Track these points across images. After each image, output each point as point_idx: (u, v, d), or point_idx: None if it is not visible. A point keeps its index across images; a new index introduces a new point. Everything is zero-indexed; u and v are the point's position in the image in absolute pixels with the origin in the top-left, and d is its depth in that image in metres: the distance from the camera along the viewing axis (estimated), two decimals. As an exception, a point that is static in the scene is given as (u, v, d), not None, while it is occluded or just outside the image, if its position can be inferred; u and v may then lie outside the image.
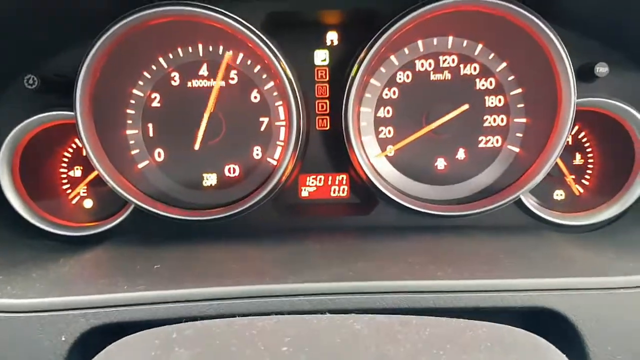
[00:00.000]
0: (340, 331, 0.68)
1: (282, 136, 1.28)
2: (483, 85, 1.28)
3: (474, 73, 1.28)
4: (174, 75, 1.27)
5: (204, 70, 1.27)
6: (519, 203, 1.29)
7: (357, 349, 0.63)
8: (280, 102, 1.27)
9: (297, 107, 1.21)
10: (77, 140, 1.31)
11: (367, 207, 1.34)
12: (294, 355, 0.61)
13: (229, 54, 1.25)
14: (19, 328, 0.89)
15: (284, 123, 1.28)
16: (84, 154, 1.20)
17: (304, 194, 1.36)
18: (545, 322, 0.97)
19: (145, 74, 1.26)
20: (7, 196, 1.23)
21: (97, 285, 0.95)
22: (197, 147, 1.27)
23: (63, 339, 0.89)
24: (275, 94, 1.28)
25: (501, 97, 1.28)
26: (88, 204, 1.33)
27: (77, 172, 1.33)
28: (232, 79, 1.28)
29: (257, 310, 0.89)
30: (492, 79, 1.28)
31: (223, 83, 1.27)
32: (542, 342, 0.75)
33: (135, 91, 1.27)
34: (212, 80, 1.27)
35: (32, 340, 0.89)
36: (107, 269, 1.05)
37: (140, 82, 1.27)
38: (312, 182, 1.36)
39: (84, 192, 1.33)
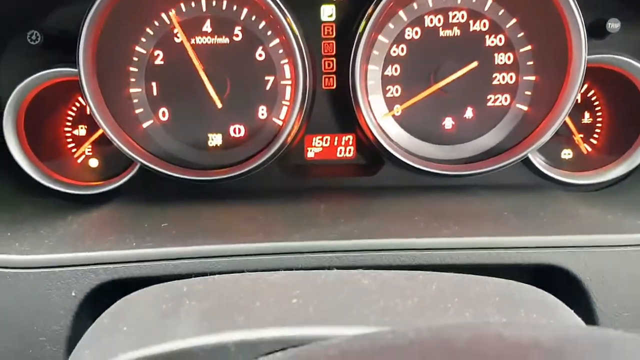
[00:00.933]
0: (348, 285, 0.68)
1: (287, 96, 1.26)
2: (492, 42, 1.26)
3: (484, 29, 1.25)
4: (177, 32, 1.24)
5: (207, 27, 1.24)
6: (526, 162, 1.28)
7: (364, 303, 0.63)
8: (286, 60, 1.25)
9: (304, 65, 1.19)
10: (80, 99, 1.29)
11: (373, 168, 1.33)
12: (303, 308, 0.62)
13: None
14: (29, 284, 0.91)
15: (289, 82, 1.26)
16: (88, 112, 1.19)
17: (310, 154, 1.35)
18: (551, 280, 0.98)
19: (148, 30, 1.24)
20: (13, 154, 1.23)
21: (105, 242, 0.96)
22: (219, 105, 1.25)
23: (73, 294, 0.90)
24: (280, 51, 1.25)
25: (510, 54, 1.26)
26: (94, 163, 1.33)
27: (81, 130, 1.32)
28: (237, 35, 1.25)
29: (264, 267, 0.90)
30: (502, 36, 1.25)
31: (227, 40, 1.24)
32: (549, 297, 0.76)
33: (138, 48, 1.25)
34: (215, 37, 1.24)
35: (42, 296, 0.90)
36: (115, 227, 1.06)
37: (143, 39, 1.25)
38: (318, 143, 1.35)
39: (89, 151, 1.33)
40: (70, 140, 1.32)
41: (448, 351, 0.44)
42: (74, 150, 1.32)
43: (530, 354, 0.41)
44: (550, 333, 0.45)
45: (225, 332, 0.56)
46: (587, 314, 0.94)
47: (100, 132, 1.28)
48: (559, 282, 0.96)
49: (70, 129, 1.32)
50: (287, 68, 1.26)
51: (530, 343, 0.42)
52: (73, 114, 1.32)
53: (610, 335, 0.44)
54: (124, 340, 0.59)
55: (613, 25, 1.16)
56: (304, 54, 1.19)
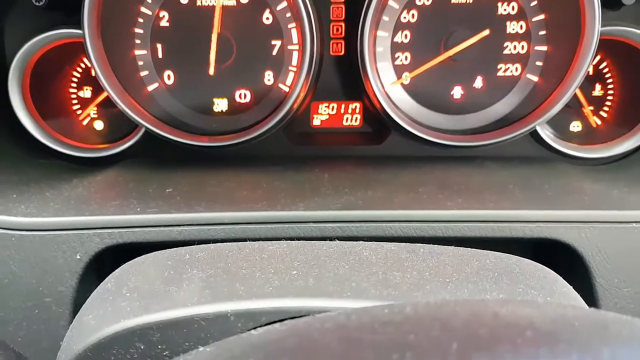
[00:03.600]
0: (349, 257, 0.69)
1: (294, 61, 1.24)
2: (505, 10, 1.23)
3: (497, -3, 1.22)
4: (183, -7, 1.22)
5: (213, -12, 1.22)
6: (534, 134, 1.27)
7: (364, 274, 0.64)
8: (293, 24, 1.23)
9: (312, 29, 1.17)
10: (86, 60, 1.28)
11: (379, 137, 1.32)
12: (303, 278, 0.62)
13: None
14: (35, 246, 0.92)
15: (297, 47, 1.24)
16: (93, 74, 1.19)
17: (316, 122, 1.34)
18: (553, 254, 0.98)
19: (154, -10, 1.22)
20: (18, 115, 1.23)
21: (110, 207, 0.96)
22: (211, 72, 1.24)
23: (78, 257, 0.92)
24: (288, 15, 1.23)
25: (523, 23, 1.23)
26: (99, 125, 1.33)
27: (86, 92, 1.31)
28: (243, -4, 1.23)
29: (267, 236, 0.91)
30: (515, 4, 1.22)
31: (233, 2, 1.22)
32: (549, 273, 0.76)
33: (143, 9, 1.23)
34: (222, -1, 1.22)
35: (48, 258, 0.92)
36: (120, 191, 1.06)
37: (148, 0, 1.23)
38: (325, 110, 1.33)
39: (94, 114, 1.32)
40: (75, 102, 1.32)
41: (444, 328, 0.44)
42: (79, 112, 1.32)
43: (524, 334, 0.41)
44: (545, 313, 0.45)
45: (226, 301, 0.57)
46: (587, 289, 0.94)
47: (105, 94, 1.27)
48: (560, 256, 0.97)
49: (75, 91, 1.31)
50: (294, 32, 1.24)
51: (526, 323, 0.43)
52: (78, 75, 1.31)
53: (606, 318, 0.45)
54: (126, 307, 0.60)
55: (629, -4, 1.13)
56: (312, 18, 1.17)
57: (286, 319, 0.55)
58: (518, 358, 0.36)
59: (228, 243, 0.77)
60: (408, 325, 0.45)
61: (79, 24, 1.13)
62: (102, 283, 0.73)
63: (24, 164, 1.20)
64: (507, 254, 0.77)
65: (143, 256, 0.77)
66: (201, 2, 1.22)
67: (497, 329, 0.42)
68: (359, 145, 1.33)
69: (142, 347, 0.57)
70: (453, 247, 0.78)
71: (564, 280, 0.75)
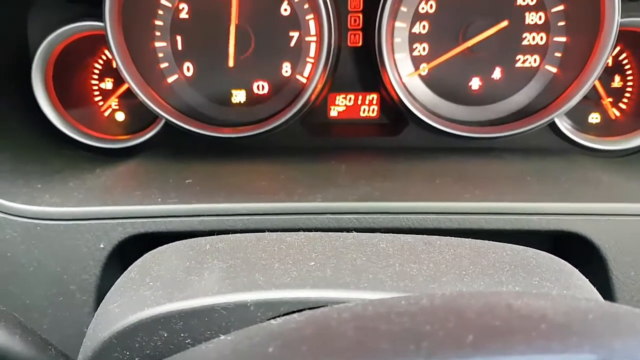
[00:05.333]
0: (366, 249, 0.70)
1: (312, 52, 1.25)
2: (524, 0, 1.22)
3: (515, -13, 1.22)
4: (203, -15, 1.23)
5: (233, -20, 1.23)
6: (552, 126, 1.26)
7: (381, 266, 0.65)
8: (311, 16, 1.23)
9: (329, 20, 1.17)
10: (107, 52, 1.31)
11: (396, 128, 1.33)
12: (321, 270, 0.64)
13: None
14: (59, 234, 0.94)
15: (314, 38, 1.24)
16: (114, 65, 1.21)
17: (333, 113, 1.35)
18: (570, 245, 0.98)
19: (174, -17, 1.23)
20: (41, 106, 1.26)
21: (133, 197, 0.99)
22: (231, 63, 1.25)
23: (102, 246, 0.94)
24: (306, 6, 1.24)
25: (542, 13, 1.22)
26: (120, 116, 1.35)
27: (108, 84, 1.34)
28: (263, -11, 1.23)
29: (285, 227, 0.92)
30: (534, -6, 1.21)
31: (252, -7, 1.23)
32: (565, 265, 0.76)
33: (163, 1, 1.24)
34: (241, -11, 1.23)
35: (72, 247, 0.94)
36: (142, 181, 1.08)
37: (169, -8, 1.24)
38: (342, 102, 1.34)
39: (115, 105, 1.35)
40: (97, 93, 1.34)
41: (460, 319, 0.45)
42: (100, 103, 1.34)
43: (538, 326, 0.42)
44: (559, 306, 0.46)
45: (246, 291, 0.59)
46: (604, 281, 0.94)
47: (126, 86, 1.29)
48: (578, 247, 0.97)
49: (97, 82, 1.34)
50: (312, 24, 1.24)
51: (539, 316, 0.43)
52: (100, 67, 1.33)
53: (619, 311, 0.45)
54: (150, 295, 0.62)
55: (650, -13, 1.12)
56: (330, 9, 1.17)
57: (304, 309, 0.57)
58: (531, 350, 0.37)
59: (247, 234, 0.79)
60: (424, 316, 0.46)
61: (100, 17, 1.15)
62: (125, 272, 0.75)
63: (48, 154, 1.23)
64: (523, 247, 0.77)
65: (165, 246, 0.79)
66: (220, -6, 1.23)
67: (511, 321, 0.43)
68: (376, 136, 1.34)
69: (165, 335, 0.58)
70: (470, 239, 0.78)
71: (580, 273, 0.76)
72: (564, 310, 0.45)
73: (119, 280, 0.74)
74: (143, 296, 0.62)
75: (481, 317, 0.44)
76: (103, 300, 0.69)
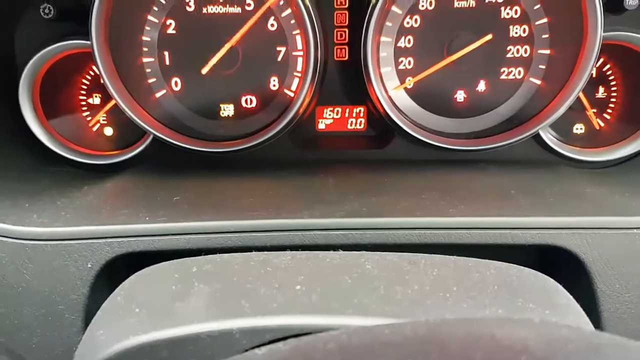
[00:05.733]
0: (352, 271, 0.71)
1: (299, 66, 1.26)
2: (508, 13, 1.23)
3: (499, 1, 1.23)
4: (189, 1, 1.23)
5: (219, -5, 1.23)
6: (537, 137, 1.28)
7: (366, 290, 0.65)
8: (297, 31, 1.24)
9: (315, 36, 1.18)
10: (95, 68, 1.30)
11: (383, 141, 1.34)
12: (306, 295, 0.64)
13: None
14: (47, 255, 0.95)
15: (301, 53, 1.25)
16: (102, 81, 1.21)
17: (321, 126, 1.36)
18: (555, 259, 1.00)
19: (160, -1, 1.23)
20: (29, 124, 1.26)
21: (120, 216, 0.99)
22: (205, 71, 1.25)
23: (89, 265, 0.94)
24: (292, 22, 1.24)
25: (526, 26, 1.24)
26: (108, 131, 1.35)
27: (96, 99, 1.34)
28: (249, 5, 1.24)
29: (272, 243, 0.93)
30: (518, 7, 1.23)
31: (239, 10, 1.23)
32: (549, 282, 0.77)
33: (150, 17, 1.25)
34: (227, 6, 1.23)
35: (60, 267, 0.94)
36: (129, 199, 1.08)
37: (155, 8, 1.24)
38: (329, 115, 1.35)
39: (103, 120, 1.35)
40: (85, 109, 1.34)
41: (442, 352, 0.46)
42: (89, 118, 1.34)
43: (519, 358, 0.43)
44: (541, 335, 0.47)
45: (231, 318, 0.59)
46: (589, 294, 0.95)
47: (114, 101, 1.29)
48: (562, 261, 0.98)
49: (85, 98, 1.34)
50: (298, 39, 1.25)
51: (521, 347, 0.44)
52: (87, 82, 1.33)
53: (600, 341, 0.46)
54: (135, 323, 0.62)
55: (631, 2, 1.14)
56: (316, 24, 1.18)
57: (290, 337, 0.57)
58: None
59: (233, 254, 0.79)
60: (407, 347, 0.47)
61: (87, 35, 1.15)
62: (111, 295, 0.75)
63: (36, 172, 1.23)
64: (507, 264, 0.78)
65: (151, 267, 0.79)
66: (207, 10, 1.24)
67: (492, 354, 0.44)
68: (364, 149, 1.34)
69: (151, 363, 0.59)
70: (454, 257, 0.79)
71: (564, 290, 0.77)
72: (545, 340, 0.46)
73: (105, 304, 0.74)
74: (128, 323, 0.62)
75: (463, 349, 0.45)
76: (89, 326, 0.70)
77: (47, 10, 1.14)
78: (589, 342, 0.46)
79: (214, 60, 1.24)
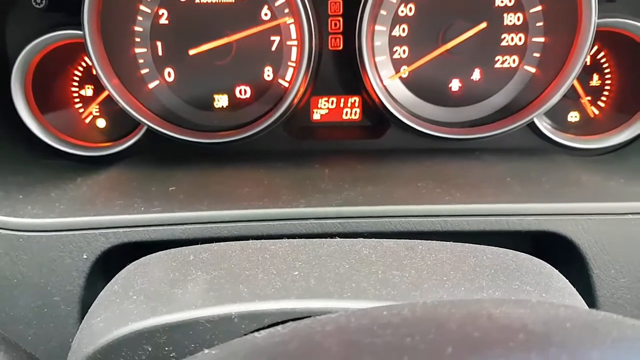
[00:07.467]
0: (349, 256, 0.71)
1: (293, 56, 1.25)
2: (502, 1, 1.23)
3: (494, -12, 1.23)
4: (182, -10, 1.22)
5: (212, -15, 1.22)
6: (531, 125, 1.28)
7: (364, 274, 0.65)
8: (292, 20, 1.24)
9: (309, 25, 1.17)
10: (87, 59, 1.29)
11: (378, 131, 1.33)
12: (304, 279, 0.64)
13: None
14: (42, 246, 0.94)
15: (295, 43, 1.24)
16: (95, 72, 1.20)
17: (316, 116, 1.36)
18: (551, 245, 1.00)
19: (153, -12, 1.22)
20: (21, 116, 1.24)
21: (115, 206, 0.98)
22: (192, 52, 1.23)
23: (85, 256, 0.94)
24: (286, 10, 1.24)
25: (520, 14, 1.24)
26: (101, 123, 1.34)
27: (88, 91, 1.33)
28: (242, -6, 1.23)
29: (269, 233, 0.93)
30: (512, -5, 1.23)
31: (232, -1, 1.23)
32: (545, 267, 0.78)
33: (142, 7, 1.24)
34: (220, -6, 1.23)
35: (55, 258, 0.94)
36: (124, 190, 1.08)
37: (147, -3, 1.23)
38: (324, 105, 1.34)
39: (96, 112, 1.34)
40: (77, 100, 1.33)
41: (440, 331, 0.46)
42: (81, 110, 1.33)
43: (517, 337, 0.43)
44: (538, 314, 0.47)
45: (230, 303, 0.59)
46: (585, 280, 0.96)
47: (106, 92, 1.28)
48: (558, 247, 0.98)
49: (77, 89, 1.32)
50: (292, 28, 1.24)
51: (519, 326, 0.44)
52: (80, 74, 1.32)
53: (597, 319, 0.46)
54: (133, 310, 0.62)
55: (625, -12, 1.14)
56: (310, 13, 1.17)
57: (288, 321, 0.57)
58: (509, 361, 0.38)
59: (231, 242, 0.79)
60: (405, 328, 0.47)
61: (79, 25, 1.14)
62: (108, 284, 0.75)
63: (29, 164, 1.22)
64: (504, 249, 0.79)
65: (148, 257, 0.79)
66: (200, -1, 1.23)
67: (490, 332, 0.44)
68: (359, 139, 1.34)
69: (149, 349, 0.59)
70: (451, 243, 0.79)
71: (560, 275, 0.77)
72: (542, 319, 0.46)
73: (102, 293, 0.74)
74: (127, 310, 0.62)
75: (461, 328, 0.45)
76: (87, 314, 0.69)
77: (38, 0, 1.13)
78: (586, 320, 0.46)
79: (204, 47, 1.23)
